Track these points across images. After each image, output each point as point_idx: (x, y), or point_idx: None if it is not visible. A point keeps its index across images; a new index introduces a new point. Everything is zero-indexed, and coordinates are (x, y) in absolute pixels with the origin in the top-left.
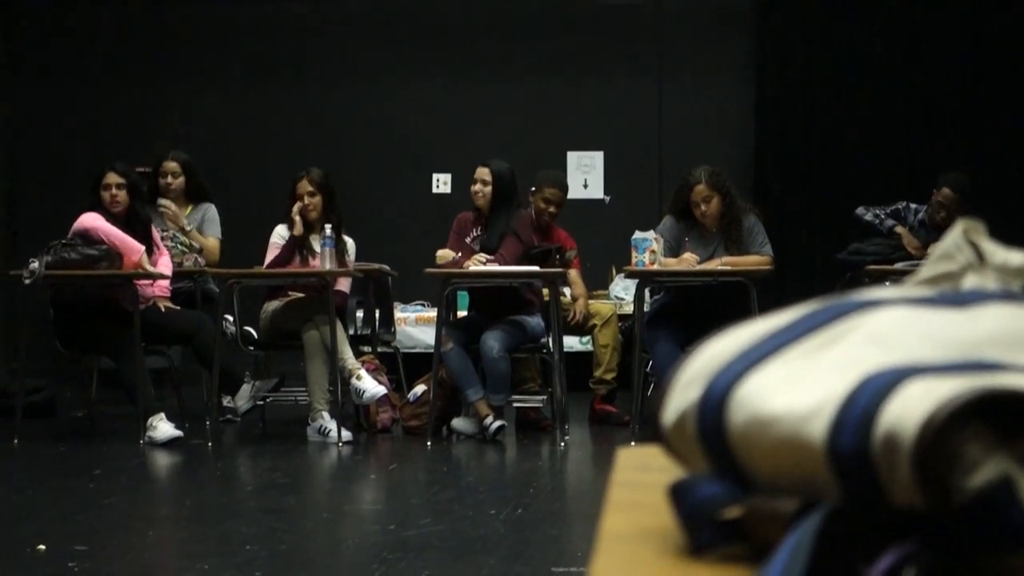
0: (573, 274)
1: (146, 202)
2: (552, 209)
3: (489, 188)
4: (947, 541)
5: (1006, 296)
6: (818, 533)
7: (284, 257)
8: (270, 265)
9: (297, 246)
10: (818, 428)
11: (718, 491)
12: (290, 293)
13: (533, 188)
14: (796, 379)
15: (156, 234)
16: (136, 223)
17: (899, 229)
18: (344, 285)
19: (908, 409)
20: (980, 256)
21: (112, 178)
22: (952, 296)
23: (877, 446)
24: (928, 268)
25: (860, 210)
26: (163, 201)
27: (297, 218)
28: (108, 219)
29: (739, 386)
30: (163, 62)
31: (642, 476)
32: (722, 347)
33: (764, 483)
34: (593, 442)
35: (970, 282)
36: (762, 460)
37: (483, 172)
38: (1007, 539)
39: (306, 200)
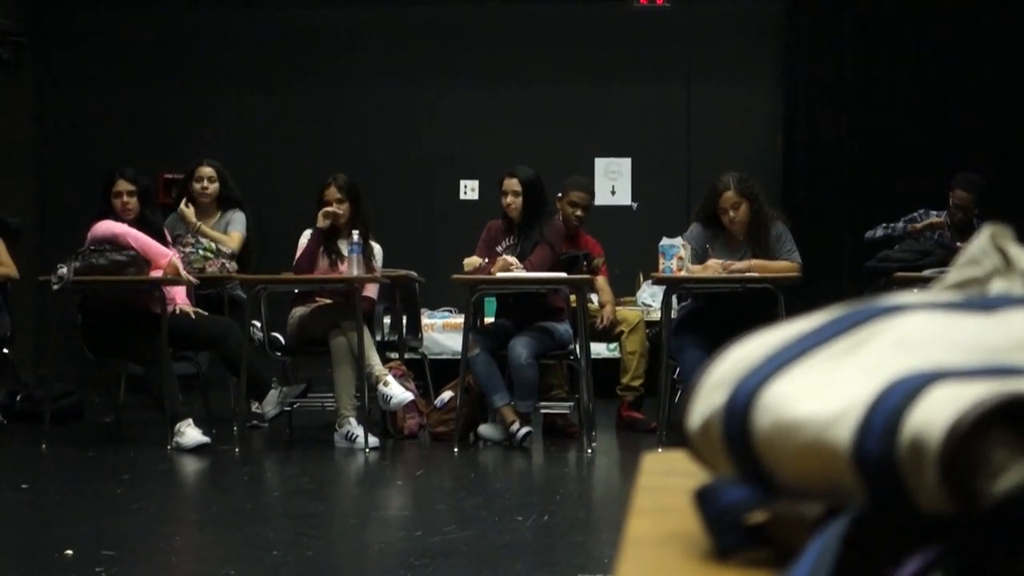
0: (600, 281)
1: (157, 206)
2: (579, 212)
3: (520, 199)
4: (973, 546)
5: None
6: (843, 538)
7: (307, 256)
8: (296, 264)
9: (326, 251)
10: (843, 433)
11: (743, 495)
12: (318, 299)
13: (560, 194)
14: (822, 384)
15: (168, 239)
16: (149, 230)
17: (914, 226)
18: (372, 291)
19: (934, 414)
20: (1007, 261)
21: (122, 185)
22: (979, 301)
23: (903, 451)
24: (954, 273)
25: (868, 233)
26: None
27: (323, 219)
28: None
29: (765, 391)
30: (191, 69)
31: (667, 481)
32: (748, 352)
33: (789, 488)
34: (620, 449)
35: (997, 287)
36: (787, 465)
37: (512, 183)
38: None
39: (334, 206)
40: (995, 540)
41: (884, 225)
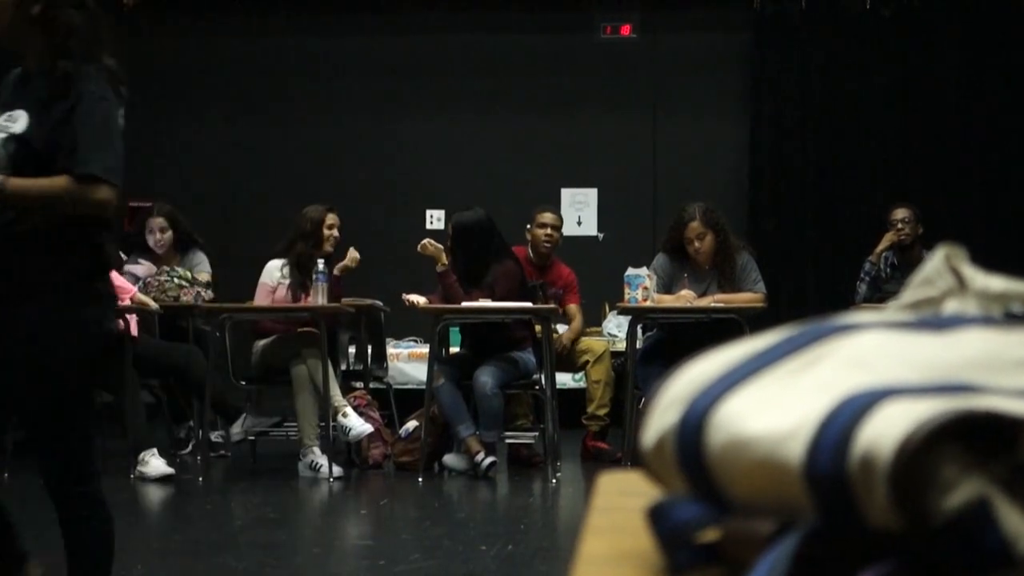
0: (573, 308)
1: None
2: (549, 231)
3: (455, 244)
4: (924, 563)
5: (986, 321)
6: (794, 554)
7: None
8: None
9: (293, 283)
10: (795, 450)
11: (696, 513)
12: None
13: (529, 225)
14: (774, 401)
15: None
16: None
17: (861, 288)
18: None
19: (885, 430)
20: (961, 282)
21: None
22: (932, 320)
23: (854, 467)
24: (909, 293)
25: (857, 296)
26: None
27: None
28: None
29: (718, 408)
30: (157, 97)
31: (622, 500)
32: (702, 370)
33: (742, 505)
34: (585, 478)
35: (951, 307)
36: (740, 482)
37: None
38: (983, 561)
39: (336, 234)
40: (945, 557)
41: (860, 279)
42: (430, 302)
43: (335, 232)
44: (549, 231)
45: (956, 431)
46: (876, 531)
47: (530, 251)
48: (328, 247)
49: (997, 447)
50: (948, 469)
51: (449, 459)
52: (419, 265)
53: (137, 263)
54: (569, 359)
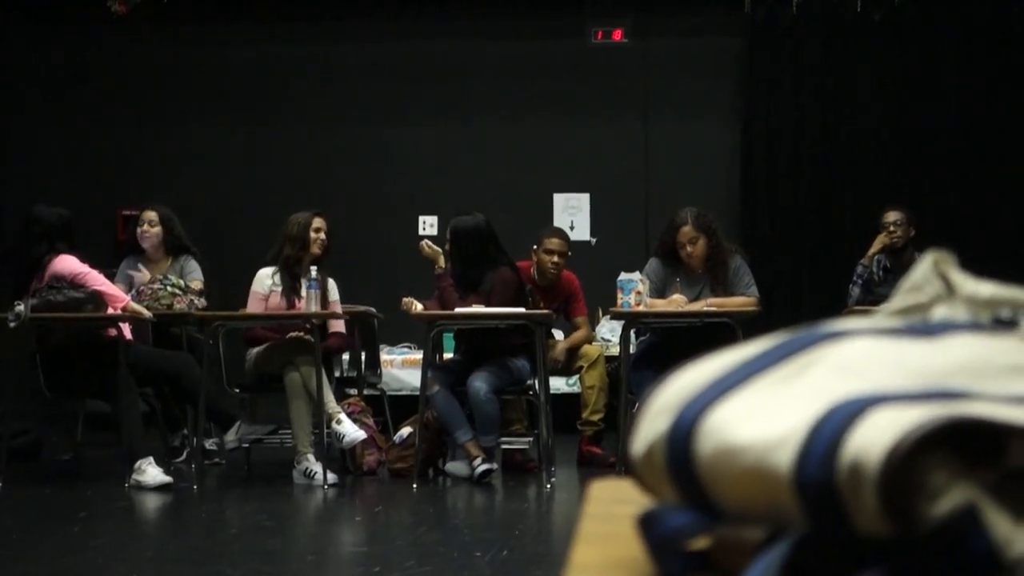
0: (579, 321)
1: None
2: (556, 259)
3: (454, 247)
4: (913, 569)
5: (975, 327)
6: (784, 562)
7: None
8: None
9: (288, 290)
10: (784, 457)
11: (686, 521)
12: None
13: (535, 246)
14: (764, 409)
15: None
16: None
17: (854, 291)
18: (341, 327)
19: (873, 437)
20: (949, 288)
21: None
22: (921, 327)
23: (842, 475)
24: (898, 299)
25: (850, 300)
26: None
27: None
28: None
29: (707, 416)
30: (150, 105)
31: (614, 508)
32: (691, 378)
33: (732, 512)
34: (579, 484)
35: (939, 313)
36: (730, 489)
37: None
38: (972, 567)
39: (323, 237)
40: (934, 563)
41: (852, 282)
42: (426, 308)
43: (322, 235)
44: (556, 259)
45: (944, 438)
46: (865, 538)
47: (535, 271)
48: (315, 249)
49: (986, 453)
50: (936, 476)
51: (452, 466)
52: (412, 271)
53: (136, 270)
54: (564, 363)
